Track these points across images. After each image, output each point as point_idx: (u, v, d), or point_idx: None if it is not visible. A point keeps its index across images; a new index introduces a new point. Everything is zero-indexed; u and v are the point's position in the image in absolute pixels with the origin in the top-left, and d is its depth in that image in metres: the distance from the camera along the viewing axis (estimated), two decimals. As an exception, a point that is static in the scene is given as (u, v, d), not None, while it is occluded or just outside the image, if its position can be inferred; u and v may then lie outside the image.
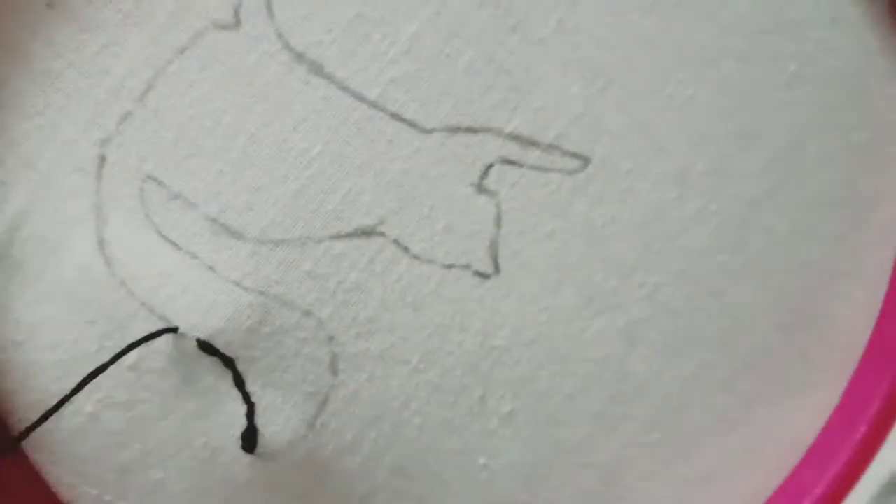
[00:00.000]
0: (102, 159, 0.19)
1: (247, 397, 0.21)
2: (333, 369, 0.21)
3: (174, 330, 0.19)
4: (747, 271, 0.23)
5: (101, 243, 0.19)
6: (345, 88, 0.20)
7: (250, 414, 0.21)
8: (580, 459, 0.23)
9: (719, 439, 0.23)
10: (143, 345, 0.19)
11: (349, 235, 0.21)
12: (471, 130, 0.21)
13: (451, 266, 0.21)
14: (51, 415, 0.19)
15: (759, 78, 0.23)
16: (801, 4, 0.22)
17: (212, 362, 0.20)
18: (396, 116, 0.20)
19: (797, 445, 0.24)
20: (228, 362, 0.20)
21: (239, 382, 0.21)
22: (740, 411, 0.23)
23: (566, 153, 0.22)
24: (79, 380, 0.19)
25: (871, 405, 0.24)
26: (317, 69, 0.19)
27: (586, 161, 0.22)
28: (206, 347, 0.20)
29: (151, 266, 0.19)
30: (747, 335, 0.24)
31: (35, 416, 0.19)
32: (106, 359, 0.19)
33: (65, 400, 0.19)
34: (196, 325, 0.20)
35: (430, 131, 0.21)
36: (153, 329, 0.19)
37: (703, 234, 0.23)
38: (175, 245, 0.19)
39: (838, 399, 0.25)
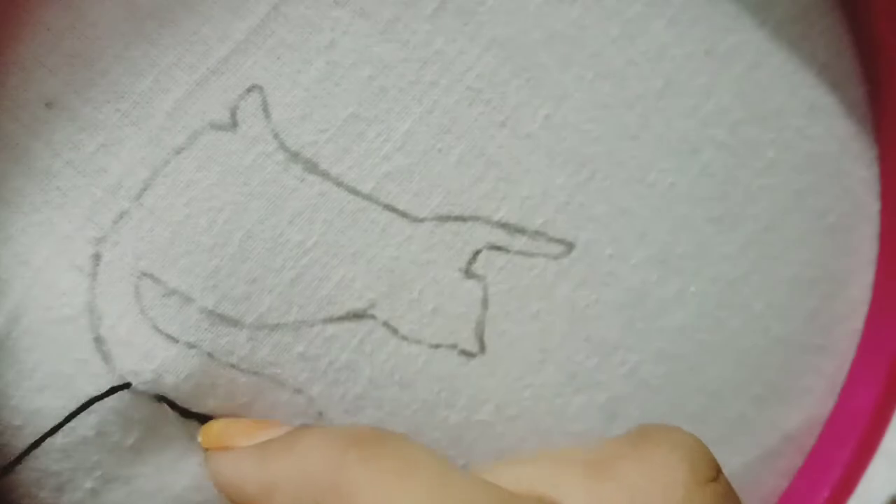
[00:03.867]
0: (97, 257, 0.19)
1: None
2: None
3: (127, 386, 0.20)
4: (724, 348, 0.24)
5: (98, 340, 0.19)
6: (339, 184, 0.20)
7: None
8: None
9: None
10: (141, 423, 0.20)
11: (341, 319, 0.21)
12: (460, 219, 0.21)
13: (437, 346, 0.22)
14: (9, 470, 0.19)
15: (738, 165, 0.23)
16: (779, 94, 0.23)
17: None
18: (389, 207, 0.21)
19: None
20: None
21: None
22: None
23: (551, 239, 0.22)
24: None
25: (833, 471, 0.25)
26: (312, 167, 0.20)
27: (570, 246, 0.23)
28: (204, 420, 0.21)
29: (150, 360, 0.19)
30: (724, 409, 0.25)
31: (37, 495, 0.20)
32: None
33: (21, 456, 0.19)
34: (194, 404, 0.21)
35: (422, 220, 0.21)
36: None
37: (682, 314, 0.24)
38: (172, 338, 0.20)
39: (802, 462, 0.26)
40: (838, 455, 0.25)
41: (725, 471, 0.26)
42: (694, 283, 0.24)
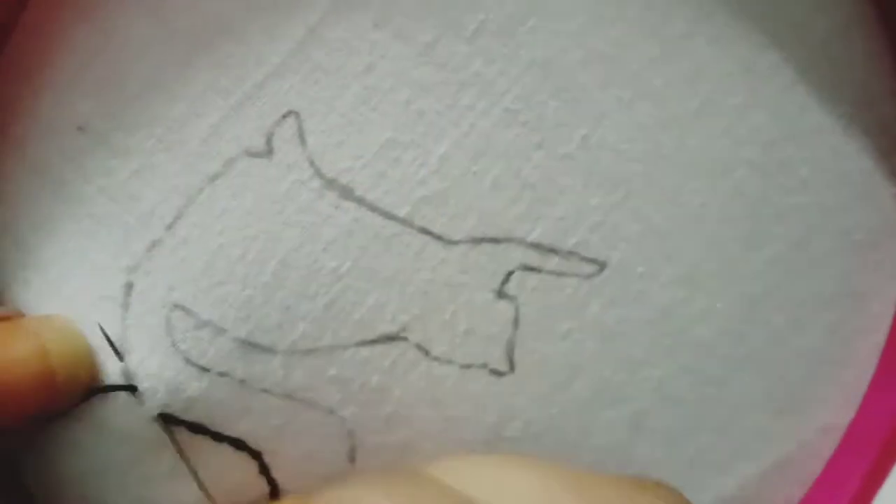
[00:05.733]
0: (130, 287, 0.19)
1: (271, 482, 0.22)
2: (351, 457, 0.22)
3: (133, 388, 0.20)
4: (747, 362, 0.24)
5: (126, 374, 0.19)
6: (374, 209, 0.20)
7: (274, 493, 0.22)
8: None
9: None
10: (173, 449, 0.20)
11: (373, 342, 0.21)
12: (494, 241, 0.21)
13: (468, 366, 0.22)
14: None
15: (769, 184, 0.23)
16: (815, 113, 0.23)
17: (239, 457, 0.21)
18: (424, 230, 0.21)
19: None
20: (256, 456, 0.21)
21: (264, 470, 0.21)
22: (736, 490, 0.25)
23: (584, 259, 0.22)
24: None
25: (851, 482, 0.26)
26: (347, 194, 0.20)
27: (603, 266, 0.22)
28: (237, 444, 0.21)
29: (181, 391, 0.19)
30: (743, 420, 0.25)
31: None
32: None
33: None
34: (226, 427, 0.21)
35: (456, 243, 0.21)
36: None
37: (708, 330, 0.24)
38: (204, 369, 0.20)
39: (817, 470, 0.27)
40: (856, 466, 0.26)
41: (741, 478, 0.26)
42: (720, 300, 0.24)
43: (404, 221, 0.20)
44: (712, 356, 0.24)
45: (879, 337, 0.26)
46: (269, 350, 0.20)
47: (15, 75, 0.18)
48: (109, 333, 0.19)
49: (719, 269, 0.24)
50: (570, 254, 0.22)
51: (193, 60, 0.18)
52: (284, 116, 0.19)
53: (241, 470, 0.21)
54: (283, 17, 0.18)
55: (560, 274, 0.22)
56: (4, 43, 0.17)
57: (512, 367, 0.23)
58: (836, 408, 0.26)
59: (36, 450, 0.19)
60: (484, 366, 0.22)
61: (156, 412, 0.19)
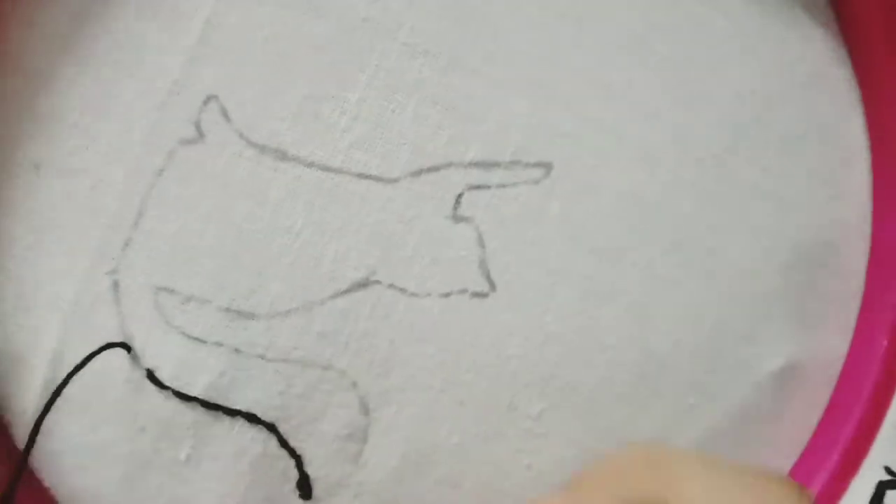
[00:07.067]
0: (116, 285, 0.21)
1: (293, 452, 0.23)
2: (364, 410, 0.23)
3: (123, 346, 0.21)
4: (735, 224, 0.24)
5: (135, 358, 0.21)
6: (310, 165, 0.22)
7: (300, 465, 0.23)
8: (621, 441, 0.24)
9: (752, 389, 0.24)
10: (191, 431, 0.22)
11: (347, 291, 0.22)
12: (433, 169, 0.22)
13: (448, 294, 0.23)
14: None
15: (687, 46, 0.24)
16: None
17: (256, 432, 0.22)
18: (362, 175, 0.22)
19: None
20: (271, 427, 0.22)
21: (283, 442, 0.23)
22: (780, 359, 0.24)
23: (528, 165, 0.23)
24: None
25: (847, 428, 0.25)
26: (281, 155, 0.21)
27: (549, 167, 0.23)
28: (250, 417, 0.22)
29: (185, 364, 0.21)
30: (753, 283, 0.24)
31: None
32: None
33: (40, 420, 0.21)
34: (235, 400, 0.22)
35: (397, 179, 0.22)
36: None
37: (682, 201, 0.24)
38: (200, 340, 0.21)
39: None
40: (863, 386, 0.25)
41: (771, 347, 0.25)
42: (684, 167, 0.23)
43: (340, 171, 0.22)
44: (696, 226, 0.24)
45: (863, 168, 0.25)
46: (252, 316, 0.22)
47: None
48: (109, 329, 0.21)
49: (669, 139, 0.24)
50: (512, 163, 0.23)
51: (114, 79, 0.21)
52: (206, 102, 0.21)
53: (259, 443, 0.22)
54: (175, 18, 0.21)
55: (508, 185, 0.23)
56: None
57: (493, 286, 0.23)
58: (847, 256, 0.25)
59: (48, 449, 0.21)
60: (464, 291, 0.23)
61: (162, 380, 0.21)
